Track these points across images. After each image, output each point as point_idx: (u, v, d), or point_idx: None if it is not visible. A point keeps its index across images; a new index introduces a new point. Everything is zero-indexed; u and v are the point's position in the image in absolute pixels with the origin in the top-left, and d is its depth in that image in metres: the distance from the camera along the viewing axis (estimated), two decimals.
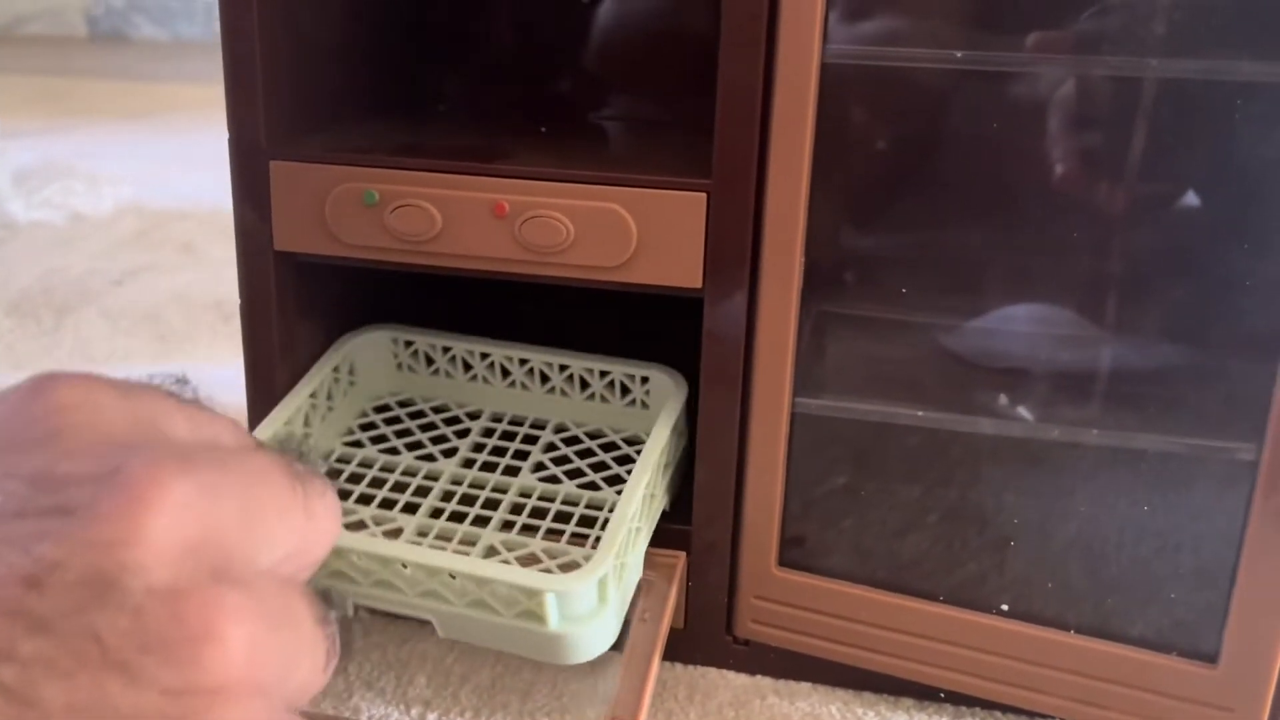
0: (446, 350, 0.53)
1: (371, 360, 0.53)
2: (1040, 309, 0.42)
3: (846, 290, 0.44)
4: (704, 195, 0.42)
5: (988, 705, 0.45)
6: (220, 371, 0.80)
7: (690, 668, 0.48)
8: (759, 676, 0.47)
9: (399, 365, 0.54)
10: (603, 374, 0.51)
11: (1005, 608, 0.43)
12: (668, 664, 0.48)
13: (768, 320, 0.43)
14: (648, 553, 0.45)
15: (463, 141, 0.51)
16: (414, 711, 0.45)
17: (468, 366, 0.53)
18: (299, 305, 0.49)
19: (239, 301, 0.49)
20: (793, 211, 0.41)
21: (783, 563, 0.46)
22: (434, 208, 0.44)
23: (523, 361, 0.52)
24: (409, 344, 0.53)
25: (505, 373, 0.52)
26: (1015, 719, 0.45)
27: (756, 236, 0.42)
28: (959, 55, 0.39)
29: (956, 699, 0.45)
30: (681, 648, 0.48)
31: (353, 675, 0.47)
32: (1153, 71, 0.38)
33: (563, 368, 0.52)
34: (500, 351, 0.52)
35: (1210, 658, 0.40)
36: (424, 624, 0.48)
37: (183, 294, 0.96)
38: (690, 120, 0.47)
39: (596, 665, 0.47)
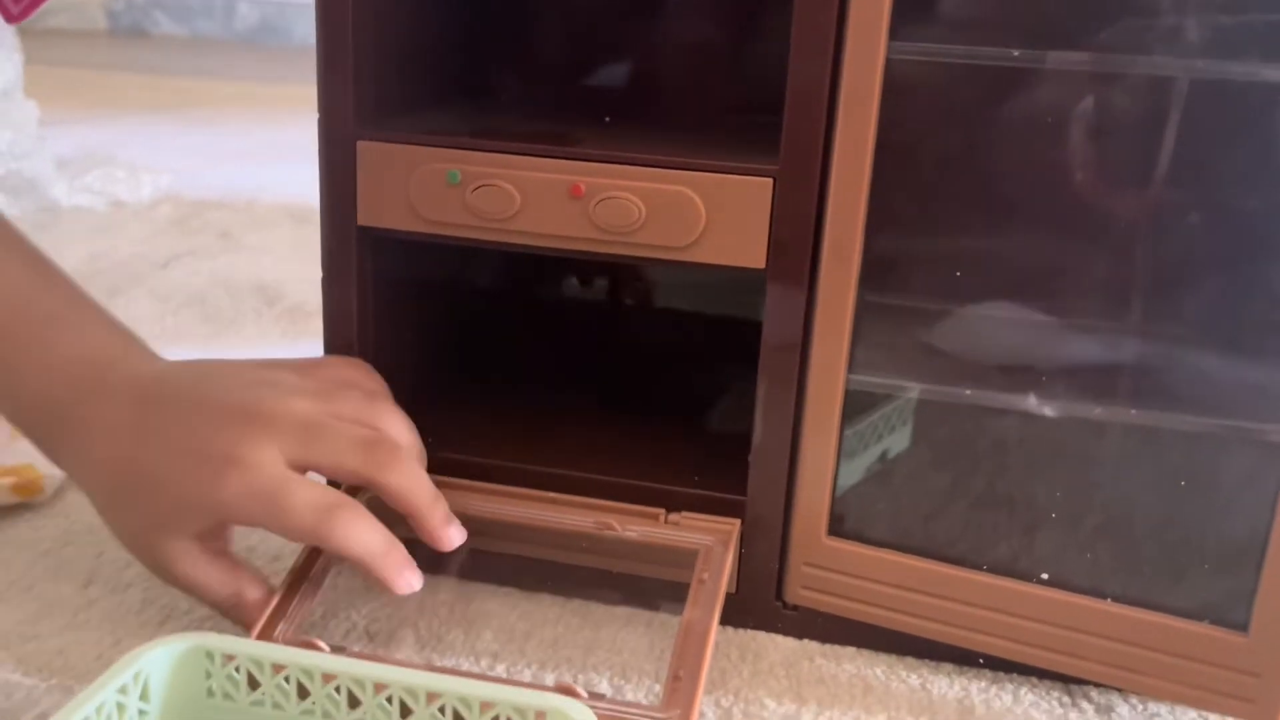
0: (278, 669, 0.39)
1: (172, 681, 0.39)
2: (1084, 300, 0.45)
3: (902, 276, 0.47)
4: (770, 180, 0.45)
5: (1025, 670, 0.48)
6: (270, 353, 0.83)
7: (741, 631, 0.50)
8: (807, 640, 0.50)
9: (210, 690, 0.40)
10: (484, 706, 0.37)
11: (1045, 577, 0.46)
12: (721, 627, 0.50)
13: (826, 301, 0.45)
14: (705, 521, 0.48)
15: (538, 127, 0.54)
16: (484, 662, 0.47)
17: (304, 692, 0.39)
18: (376, 282, 0.51)
19: (319, 275, 0.51)
20: (855, 198, 0.44)
21: (832, 532, 0.48)
22: (513, 188, 0.47)
23: (379, 687, 0.38)
24: (229, 659, 0.40)
25: (354, 700, 0.39)
26: (1051, 684, 0.48)
27: (819, 221, 0.45)
28: (1016, 54, 0.42)
29: (995, 664, 0.48)
30: (733, 612, 0.50)
31: (422, 629, 0.49)
32: (1201, 72, 0.41)
33: (431, 697, 0.38)
34: (350, 671, 0.38)
35: (1241, 626, 0.43)
36: (487, 583, 0.51)
37: (226, 278, 0.98)
38: (745, 109, 0.50)
39: (655, 625, 0.50)
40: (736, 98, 0.62)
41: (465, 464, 0.51)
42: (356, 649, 0.47)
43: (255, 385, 0.46)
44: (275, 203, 1.26)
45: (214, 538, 0.46)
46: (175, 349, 0.54)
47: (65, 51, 2.62)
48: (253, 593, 0.46)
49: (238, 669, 0.39)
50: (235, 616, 0.47)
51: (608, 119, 0.56)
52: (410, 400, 0.49)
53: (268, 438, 0.44)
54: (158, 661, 0.39)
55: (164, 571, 0.46)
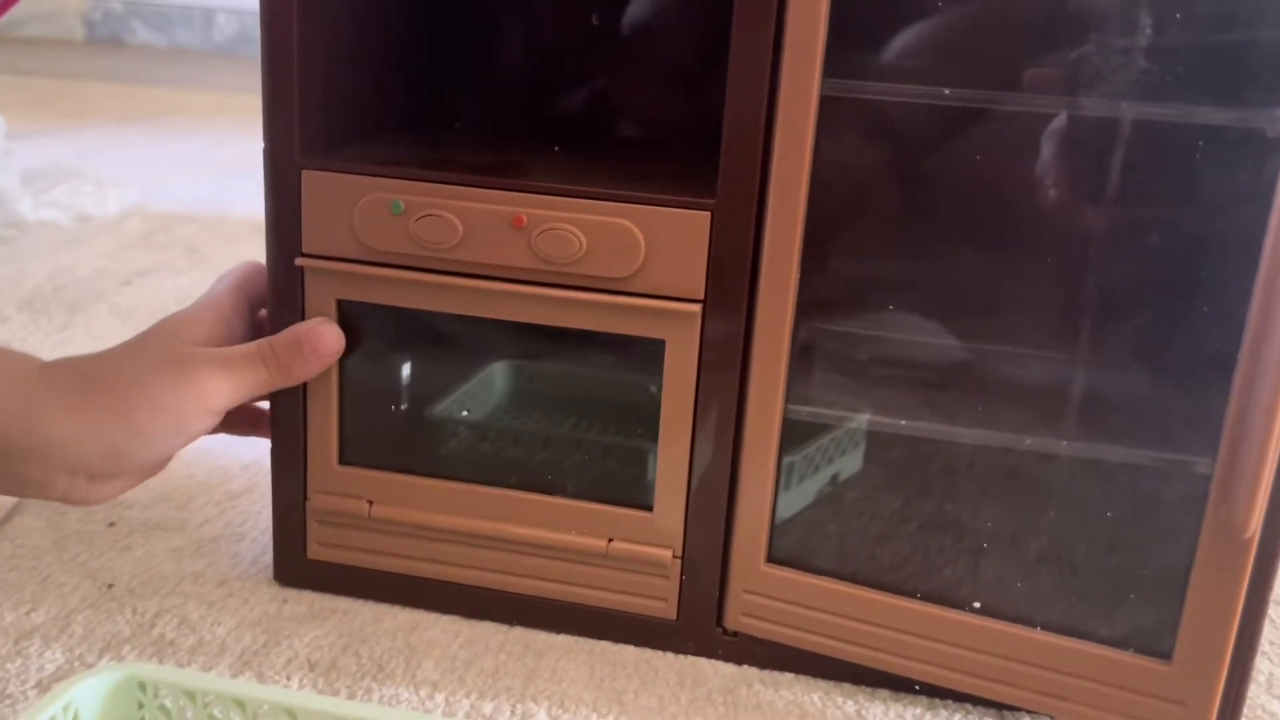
0: (209, 700, 0.39)
1: (105, 712, 0.39)
2: (1016, 329, 0.46)
3: (838, 306, 0.48)
4: (708, 214, 0.46)
5: (960, 698, 0.48)
6: None
7: (681, 657, 0.51)
8: (746, 666, 0.50)
9: None
10: None
11: (977, 606, 0.46)
12: (660, 653, 0.51)
13: (763, 332, 0.46)
14: (641, 550, 0.48)
15: (483, 157, 0.54)
16: (423, 692, 0.47)
17: None
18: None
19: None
20: (790, 232, 0.45)
21: (771, 559, 0.49)
22: (456, 218, 0.47)
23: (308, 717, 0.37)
24: (162, 690, 0.39)
25: None
26: (985, 710, 0.48)
27: (756, 253, 0.46)
28: (946, 93, 0.43)
29: (931, 691, 0.48)
30: (674, 638, 0.51)
31: (364, 658, 0.49)
32: (1124, 113, 0.42)
33: None
34: (280, 701, 0.38)
35: (1165, 655, 0.43)
36: (431, 612, 0.51)
37: (190, 296, 0.98)
38: (696, 138, 0.50)
39: (596, 653, 0.51)
40: (689, 123, 0.62)
41: None
42: (298, 678, 0.48)
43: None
44: (244, 217, 1.26)
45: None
46: None
47: (41, 61, 2.61)
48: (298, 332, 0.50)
49: (169, 699, 0.40)
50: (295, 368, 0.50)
51: (557, 148, 0.57)
52: None
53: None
54: (89, 692, 0.39)
55: (207, 398, 0.48)
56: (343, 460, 0.52)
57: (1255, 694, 0.50)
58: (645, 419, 0.49)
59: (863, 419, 0.48)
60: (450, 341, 0.54)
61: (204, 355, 0.48)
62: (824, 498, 0.50)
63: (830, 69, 0.43)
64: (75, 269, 1.04)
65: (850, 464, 0.50)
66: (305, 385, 0.51)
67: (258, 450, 0.54)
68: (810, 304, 0.46)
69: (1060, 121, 0.42)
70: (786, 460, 0.48)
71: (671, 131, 0.62)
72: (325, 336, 0.50)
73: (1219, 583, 0.41)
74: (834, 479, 0.50)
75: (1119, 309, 0.44)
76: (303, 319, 0.50)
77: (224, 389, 0.48)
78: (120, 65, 2.71)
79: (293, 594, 0.54)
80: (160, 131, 1.79)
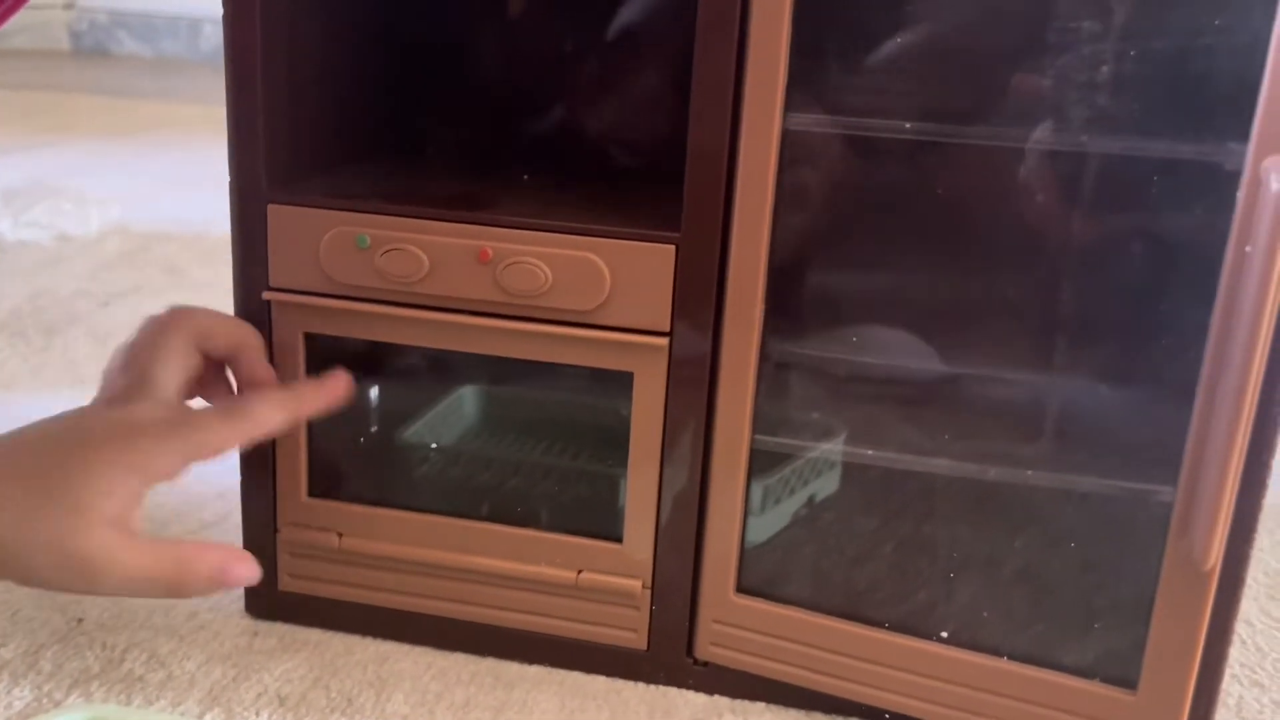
0: None
1: None
2: (981, 354, 0.46)
3: (804, 336, 0.48)
4: (673, 247, 0.46)
5: None
6: None
7: (652, 687, 0.51)
8: (717, 696, 0.50)
9: None
10: None
11: (945, 635, 0.46)
12: (631, 683, 0.51)
13: (730, 363, 0.46)
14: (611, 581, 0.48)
15: (451, 188, 0.54)
16: None
17: None
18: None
19: None
20: (754, 263, 0.45)
21: (740, 589, 0.49)
22: (422, 252, 0.47)
23: None
24: None
25: None
26: None
27: (721, 285, 0.46)
28: (907, 126, 0.43)
29: None
30: (644, 668, 0.51)
31: (334, 691, 0.49)
32: (1084, 146, 0.42)
33: None
34: None
35: (1130, 684, 0.44)
36: (402, 643, 0.51)
37: None
38: (664, 166, 0.50)
39: (567, 685, 0.51)
40: (662, 150, 0.62)
41: None
42: (267, 713, 0.48)
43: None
44: (226, 235, 1.25)
45: (130, 518, 0.44)
46: None
47: (25, 74, 2.60)
48: (202, 553, 0.44)
49: None
50: (189, 586, 0.44)
51: (526, 176, 0.57)
52: None
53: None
54: None
55: (97, 572, 0.42)
56: (312, 492, 0.52)
57: (1225, 717, 0.51)
58: (615, 449, 0.50)
59: (830, 447, 0.48)
60: (418, 372, 0.54)
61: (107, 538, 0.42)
62: (795, 525, 0.50)
63: (791, 103, 0.43)
64: (54, 290, 1.03)
65: (822, 489, 0.50)
66: None
67: (232, 478, 0.54)
68: (777, 334, 0.46)
69: (1020, 155, 0.42)
70: (757, 485, 0.48)
71: (644, 158, 0.62)
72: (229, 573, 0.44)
73: (1181, 613, 0.41)
74: (810, 500, 0.50)
75: (1082, 338, 0.45)
76: (271, 352, 0.50)
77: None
78: (105, 77, 2.71)
79: (264, 626, 0.54)
80: (143, 144, 1.79)
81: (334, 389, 0.49)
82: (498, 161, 0.59)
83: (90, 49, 3.14)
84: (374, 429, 0.58)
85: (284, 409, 0.47)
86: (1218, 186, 0.39)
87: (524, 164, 0.58)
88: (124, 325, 0.96)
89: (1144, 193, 0.41)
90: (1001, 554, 0.47)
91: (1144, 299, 0.43)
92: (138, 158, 1.68)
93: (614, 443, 0.50)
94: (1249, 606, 0.61)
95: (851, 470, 0.49)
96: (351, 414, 0.54)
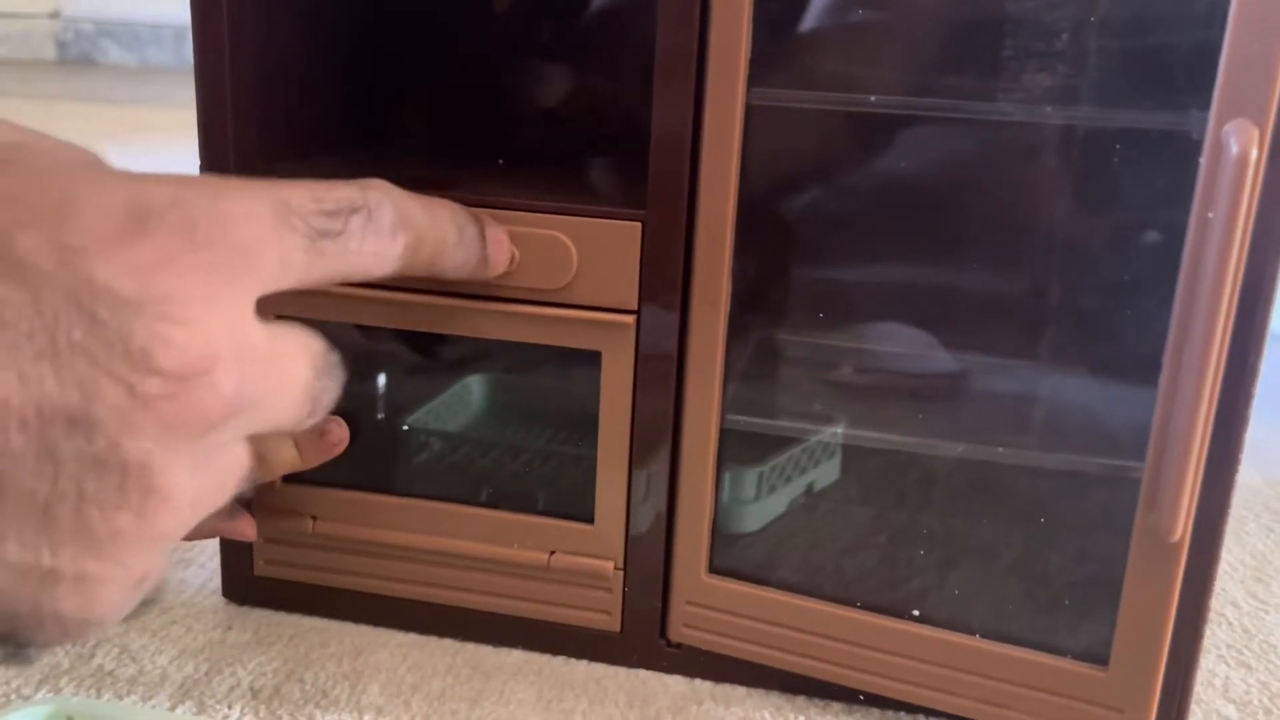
0: None
1: None
2: (948, 335, 0.46)
3: (772, 314, 0.48)
4: (639, 225, 0.45)
5: (911, 709, 0.48)
6: None
7: (629, 671, 0.50)
8: (696, 680, 0.50)
9: None
10: None
11: (915, 614, 0.46)
12: (607, 666, 0.50)
13: (698, 340, 0.46)
14: (582, 562, 0.48)
15: (421, 172, 0.54)
16: (366, 718, 0.47)
17: None
18: None
19: None
20: (720, 240, 0.44)
21: (712, 569, 0.49)
22: None
23: None
24: None
25: None
26: None
27: (688, 262, 0.45)
28: (872, 99, 0.43)
29: (879, 702, 0.48)
30: (618, 650, 0.50)
31: (308, 683, 0.49)
32: (1048, 117, 0.42)
33: None
34: None
35: (1102, 661, 0.43)
36: (379, 628, 0.51)
37: None
38: (636, 146, 0.50)
39: (546, 673, 0.50)
40: (631, 131, 0.62)
41: None
42: (239, 706, 0.47)
43: None
44: None
45: None
46: None
47: (10, 84, 2.60)
48: None
49: None
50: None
51: (501, 160, 0.57)
52: None
53: None
54: None
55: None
56: (285, 478, 0.52)
57: (1210, 698, 0.50)
58: (585, 429, 0.49)
59: (802, 428, 0.48)
60: (389, 354, 0.54)
61: None
62: (760, 507, 0.50)
63: (754, 78, 0.43)
64: None
65: (822, 477, 0.50)
66: None
67: None
68: (744, 313, 0.46)
69: (985, 126, 0.42)
70: (751, 472, 0.48)
71: (616, 139, 0.62)
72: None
73: (1150, 588, 0.41)
74: (809, 488, 0.50)
75: (1050, 313, 0.44)
76: None
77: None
78: (92, 85, 2.70)
79: (238, 620, 0.53)
80: (130, 151, 1.79)
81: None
82: (470, 146, 0.59)
83: (76, 58, 3.13)
84: (347, 415, 0.57)
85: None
86: (1183, 155, 0.39)
87: (497, 148, 0.58)
88: None
89: (1111, 164, 0.41)
90: (973, 534, 0.46)
91: (1113, 274, 0.43)
92: (124, 163, 1.68)
93: (585, 422, 0.49)
94: (1235, 589, 0.61)
95: (822, 451, 0.49)
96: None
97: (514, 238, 0.46)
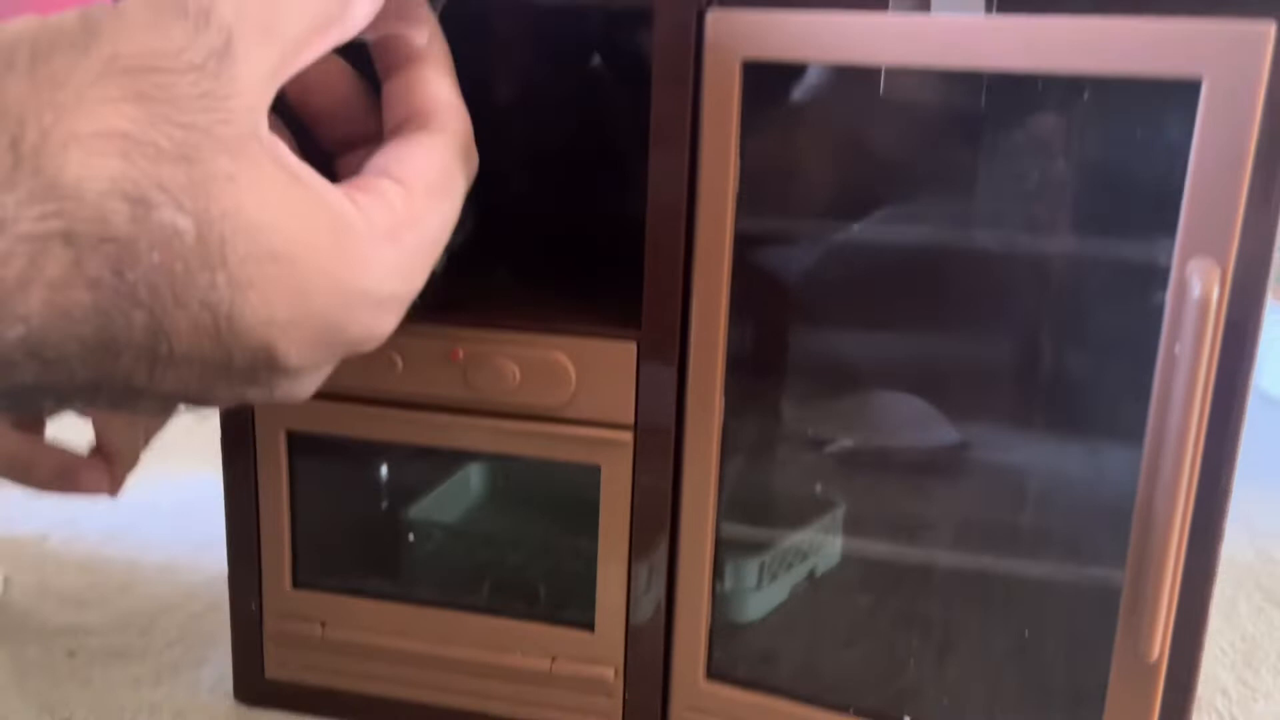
0: None
1: None
2: (925, 461, 0.48)
3: (766, 418, 0.49)
4: (634, 344, 0.47)
5: None
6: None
7: None
8: None
9: None
10: None
11: (908, 719, 0.47)
12: None
13: (692, 453, 0.48)
14: (584, 669, 0.50)
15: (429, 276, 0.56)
16: None
17: None
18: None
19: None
20: (712, 360, 0.46)
21: (711, 673, 0.50)
22: (396, 353, 0.49)
23: None
24: None
25: None
26: None
27: (682, 379, 0.47)
28: (856, 228, 0.45)
29: None
30: None
31: None
32: (1021, 246, 0.44)
33: None
34: None
35: None
36: None
37: None
38: (632, 259, 0.53)
39: None
40: (627, 239, 0.64)
41: None
42: None
43: None
44: None
45: None
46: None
47: None
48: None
49: None
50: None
51: (503, 270, 0.59)
52: None
53: None
54: None
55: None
56: (296, 583, 0.54)
57: None
58: (584, 516, 0.51)
59: (801, 516, 0.50)
60: (397, 463, 0.56)
61: None
62: (761, 614, 0.51)
63: (742, 207, 0.45)
64: None
65: (823, 563, 0.51)
66: (258, 507, 0.53)
67: (222, 563, 0.55)
68: (739, 421, 0.48)
69: (960, 255, 0.44)
70: (753, 562, 0.49)
71: (619, 251, 0.64)
72: None
73: (1131, 706, 0.42)
74: (810, 574, 0.51)
75: (1037, 429, 0.46)
76: (255, 450, 0.52)
77: None
78: None
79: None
80: None
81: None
82: (471, 255, 0.61)
83: None
84: (355, 518, 0.59)
85: None
86: (1153, 282, 0.41)
87: (497, 256, 0.60)
88: None
89: (1091, 288, 0.43)
90: (960, 639, 0.48)
91: (1094, 391, 0.44)
92: None
93: (584, 509, 0.51)
94: (1225, 674, 0.62)
95: (815, 556, 0.51)
96: (332, 503, 0.56)
97: (515, 358, 0.48)
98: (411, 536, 0.59)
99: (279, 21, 0.31)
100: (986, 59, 0.39)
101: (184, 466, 0.83)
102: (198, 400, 0.31)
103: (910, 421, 0.48)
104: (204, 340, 0.29)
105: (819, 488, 0.51)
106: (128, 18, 0.29)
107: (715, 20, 0.42)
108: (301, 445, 0.52)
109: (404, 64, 0.38)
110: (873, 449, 0.50)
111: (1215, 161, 0.38)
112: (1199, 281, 0.38)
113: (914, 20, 0.40)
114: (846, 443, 0.50)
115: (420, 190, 0.36)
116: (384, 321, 0.35)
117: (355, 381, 0.50)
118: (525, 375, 0.48)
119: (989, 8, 0.39)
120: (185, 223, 0.28)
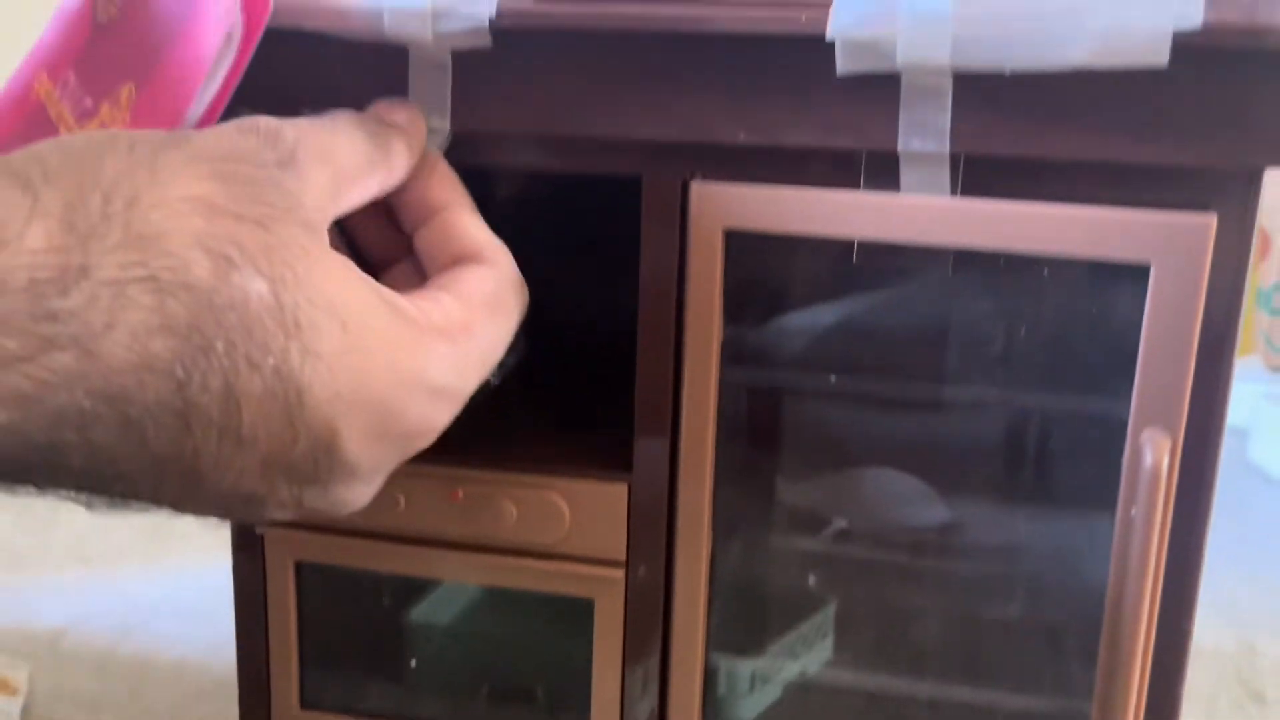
0: None
1: None
2: (904, 592, 0.50)
3: (752, 554, 0.52)
4: (625, 486, 0.50)
5: None
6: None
7: None
8: None
9: None
10: None
11: None
12: None
13: (683, 589, 0.50)
14: None
15: None
16: None
17: None
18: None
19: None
20: (699, 501, 0.49)
21: None
22: (400, 493, 0.52)
23: None
24: None
25: None
26: None
27: (671, 519, 0.50)
28: (832, 380, 0.48)
29: None
30: None
31: None
32: (992, 400, 0.46)
33: None
34: None
35: None
36: None
37: None
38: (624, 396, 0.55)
39: None
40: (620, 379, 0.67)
41: None
42: None
43: None
44: None
45: None
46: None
47: None
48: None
49: None
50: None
51: (499, 412, 0.61)
52: None
53: None
54: None
55: None
56: (303, 704, 0.56)
57: None
58: (581, 640, 0.53)
59: (782, 638, 0.52)
60: (400, 593, 0.58)
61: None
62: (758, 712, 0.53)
63: (726, 358, 0.47)
64: None
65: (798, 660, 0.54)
66: (267, 639, 0.55)
67: (232, 665, 0.57)
68: (725, 555, 0.50)
69: (932, 407, 0.47)
70: (746, 666, 0.52)
71: (605, 387, 0.66)
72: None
73: None
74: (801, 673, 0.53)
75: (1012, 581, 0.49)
76: (264, 579, 0.54)
77: None
78: None
79: None
80: None
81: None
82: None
83: None
84: (358, 623, 0.61)
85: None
86: (1115, 437, 0.44)
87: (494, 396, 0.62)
88: None
89: (1050, 445, 0.46)
90: None
91: (1056, 540, 0.47)
92: None
93: (581, 632, 0.53)
94: None
95: (805, 690, 0.53)
96: (337, 612, 0.58)
97: (512, 498, 0.51)
98: (413, 642, 0.61)
99: (333, 152, 0.35)
100: (952, 237, 0.42)
101: (197, 560, 0.86)
102: (253, 503, 0.33)
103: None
104: (273, 411, 0.30)
105: (809, 588, 0.53)
106: (210, 131, 0.33)
107: (699, 192, 0.45)
108: (311, 578, 0.55)
109: (435, 213, 0.42)
110: (859, 556, 0.52)
111: (1164, 339, 0.40)
112: (1150, 451, 0.40)
113: (885, 199, 0.43)
114: (828, 570, 0.53)
115: (475, 303, 0.39)
116: (438, 414, 0.37)
117: (361, 518, 0.52)
118: (522, 514, 0.51)
119: (954, 190, 0.42)
120: (261, 286, 0.30)
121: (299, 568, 0.54)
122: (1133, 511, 0.41)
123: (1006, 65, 0.39)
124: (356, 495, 0.36)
